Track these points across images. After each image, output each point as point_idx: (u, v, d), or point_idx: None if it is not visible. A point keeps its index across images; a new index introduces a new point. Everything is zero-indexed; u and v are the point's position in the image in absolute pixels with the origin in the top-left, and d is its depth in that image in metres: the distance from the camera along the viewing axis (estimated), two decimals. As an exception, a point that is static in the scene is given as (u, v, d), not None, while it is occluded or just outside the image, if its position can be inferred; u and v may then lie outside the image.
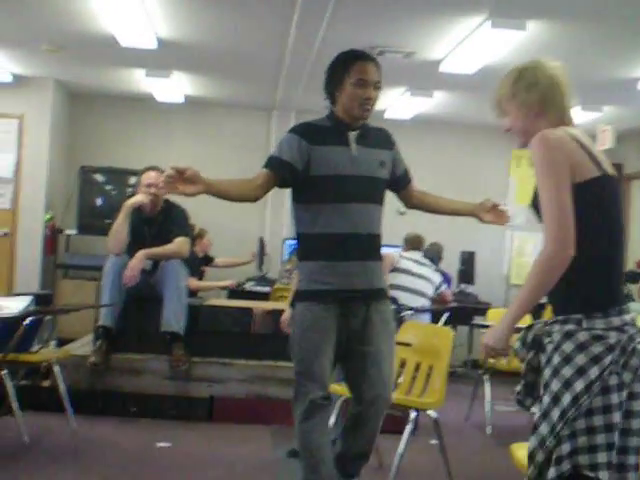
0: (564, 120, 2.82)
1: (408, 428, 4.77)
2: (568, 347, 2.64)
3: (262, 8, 6.62)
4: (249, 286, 9.54)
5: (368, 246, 3.84)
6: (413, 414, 4.81)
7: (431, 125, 10.59)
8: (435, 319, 8.26)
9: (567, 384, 2.62)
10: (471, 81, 8.29)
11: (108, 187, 10.25)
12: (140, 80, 9.46)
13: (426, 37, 7.04)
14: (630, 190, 10.76)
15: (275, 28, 7.09)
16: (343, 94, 3.77)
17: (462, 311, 8.83)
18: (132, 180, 9.72)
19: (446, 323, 8.30)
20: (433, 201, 4.16)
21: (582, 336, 2.63)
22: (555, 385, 2.64)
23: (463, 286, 10.04)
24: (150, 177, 6.36)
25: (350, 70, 3.75)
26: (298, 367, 3.82)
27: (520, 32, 6.51)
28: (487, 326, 7.36)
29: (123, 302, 6.25)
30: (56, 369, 5.87)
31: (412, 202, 4.15)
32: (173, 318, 6.25)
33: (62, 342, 7.28)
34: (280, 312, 5.44)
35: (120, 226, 6.23)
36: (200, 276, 8.78)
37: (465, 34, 6.83)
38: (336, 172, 3.74)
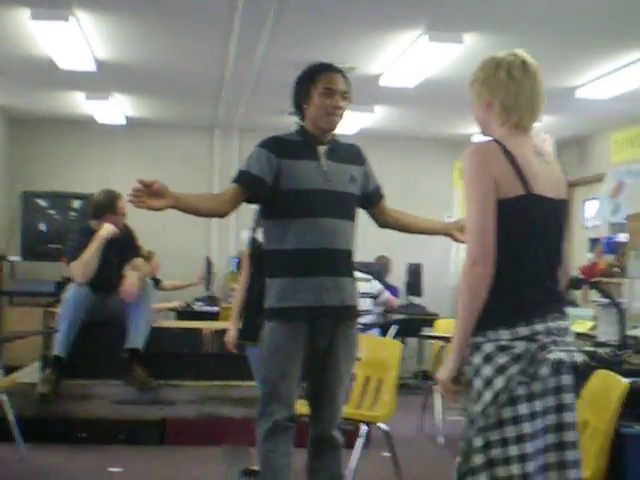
0: (517, 123, 2.78)
1: (360, 442, 4.78)
2: (477, 359, 2.65)
3: (200, 27, 6.63)
4: (197, 306, 9.50)
5: (339, 262, 3.76)
6: (364, 428, 4.82)
7: (374, 140, 10.60)
8: (383, 332, 8.29)
9: (478, 395, 2.63)
10: (411, 94, 8.37)
11: (51, 211, 10.15)
12: (80, 103, 9.39)
13: (365, 52, 7.10)
14: (570, 197, 10.90)
15: (214, 46, 7.09)
16: (311, 105, 3.74)
17: (410, 323, 8.87)
18: (76, 204, 9.66)
19: (395, 336, 8.34)
20: (406, 220, 4.08)
21: (488, 347, 2.64)
22: (471, 396, 2.66)
23: (411, 298, 10.08)
24: (124, 206, 6.35)
25: (317, 81, 3.72)
26: (264, 387, 3.78)
27: (457, 45, 6.58)
28: (435, 337, 7.43)
29: (79, 331, 6.20)
30: (3, 397, 5.77)
31: (384, 219, 4.06)
32: (141, 336, 6.25)
33: (8, 370, 7.17)
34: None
35: (92, 257, 6.18)
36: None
37: (403, 48, 6.89)
38: (306, 187, 3.68)
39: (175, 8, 6.21)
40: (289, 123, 9.40)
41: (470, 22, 6.27)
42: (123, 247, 6.44)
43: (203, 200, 3.80)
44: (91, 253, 6.16)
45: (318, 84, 3.73)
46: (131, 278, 6.25)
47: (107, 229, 6.26)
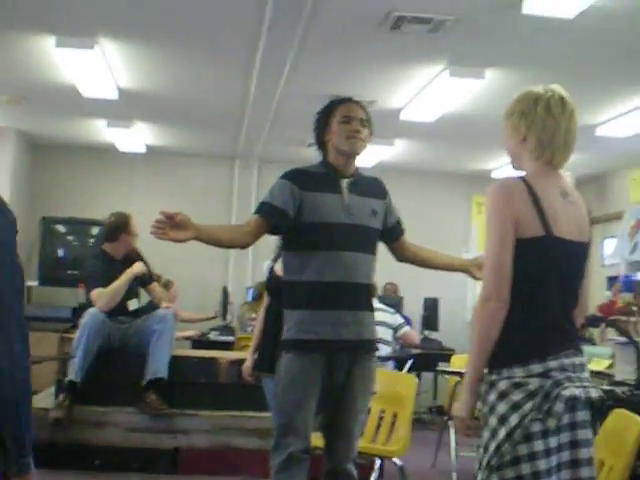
0: (550, 159, 2.79)
1: (374, 476, 4.76)
2: (492, 397, 2.65)
3: (223, 58, 6.68)
4: (213, 336, 9.49)
5: (359, 296, 3.74)
6: (378, 462, 4.80)
7: (392, 173, 10.61)
8: (399, 366, 8.25)
9: (493, 432, 2.62)
10: (431, 129, 8.39)
11: (70, 238, 10.20)
12: (102, 130, 9.47)
13: (386, 86, 7.14)
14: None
15: (236, 77, 7.14)
16: (331, 135, 3.76)
17: (426, 357, 8.83)
18: (94, 231, 9.69)
19: (410, 370, 8.30)
20: (425, 255, 4.06)
21: (502, 385, 2.63)
22: (485, 434, 2.66)
23: (427, 332, 10.04)
24: (136, 226, 6.41)
25: (335, 111, 3.75)
26: (280, 418, 3.76)
27: (478, 80, 6.61)
28: (452, 372, 7.39)
29: (94, 356, 6.21)
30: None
31: (404, 255, 4.05)
32: (164, 364, 6.24)
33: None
34: (245, 361, 5.41)
35: (120, 289, 6.22)
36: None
37: (424, 83, 6.92)
38: (327, 219, 3.68)
39: (198, 39, 6.28)
40: (309, 155, 9.44)
41: (491, 58, 6.30)
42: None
43: (225, 231, 3.81)
44: (120, 285, 6.21)
45: (337, 114, 3.76)
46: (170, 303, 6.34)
47: (139, 267, 6.32)
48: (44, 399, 6.62)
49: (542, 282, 2.71)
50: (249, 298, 9.99)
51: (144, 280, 6.46)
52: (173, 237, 3.28)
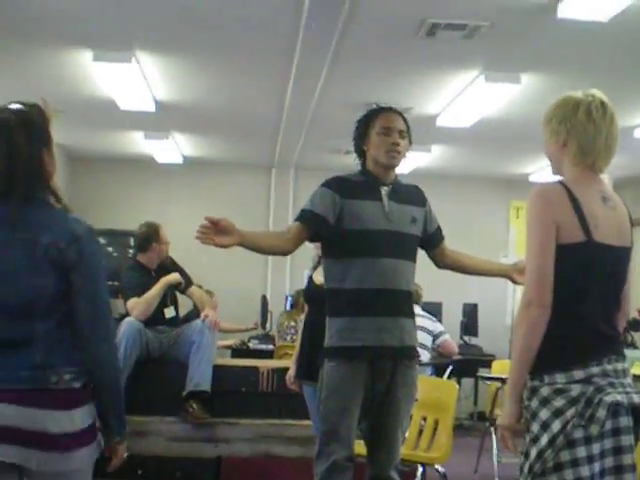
0: (591, 165, 2.76)
1: (416, 483, 4.75)
2: (534, 403, 2.63)
3: (259, 68, 6.71)
4: (252, 344, 9.53)
5: (399, 302, 3.75)
6: (420, 469, 4.79)
7: (429, 179, 10.59)
8: (439, 372, 8.23)
9: (535, 439, 2.60)
10: (468, 134, 8.38)
11: (110, 249, 10.28)
12: (139, 142, 9.55)
13: (422, 92, 7.13)
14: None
15: (272, 87, 7.17)
16: (370, 146, 3.78)
17: (466, 363, 8.80)
18: (133, 242, 9.76)
19: (450, 376, 8.28)
20: (466, 261, 4.07)
21: (544, 391, 2.61)
22: (526, 440, 2.64)
23: (466, 338, 10.01)
24: (166, 235, 6.44)
25: (374, 122, 3.77)
26: (323, 426, 3.76)
27: (514, 85, 6.59)
28: (493, 378, 7.36)
29: (133, 365, 6.24)
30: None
31: (444, 261, 4.05)
32: (206, 377, 6.23)
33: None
34: (286, 370, 5.43)
35: (155, 298, 6.22)
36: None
37: (460, 89, 6.91)
38: (368, 227, 3.70)
39: (234, 50, 6.31)
40: (345, 162, 9.47)
41: (527, 62, 6.28)
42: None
43: (267, 238, 3.85)
44: (155, 294, 6.21)
45: (376, 124, 3.77)
46: (211, 311, 6.30)
47: (174, 277, 6.31)
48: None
49: (583, 287, 2.69)
50: (287, 307, 10.01)
51: (181, 287, 6.45)
52: (217, 242, 3.30)
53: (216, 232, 3.30)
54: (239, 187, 10.99)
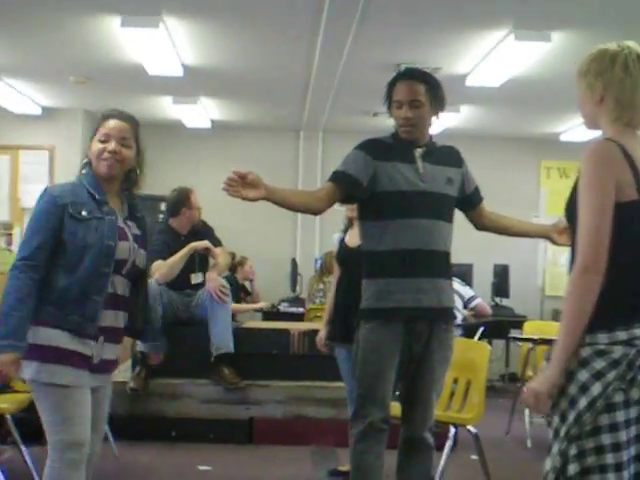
0: (630, 120, 2.66)
1: (448, 444, 4.76)
2: (572, 364, 2.55)
3: (286, 30, 6.68)
4: (283, 307, 9.57)
5: (436, 263, 3.74)
6: (452, 430, 4.80)
7: (459, 139, 10.41)
8: (469, 334, 8.23)
9: (572, 401, 2.53)
10: (497, 94, 8.30)
11: (140, 214, 10.31)
12: (168, 107, 9.55)
13: (451, 52, 7.06)
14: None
15: (300, 49, 7.14)
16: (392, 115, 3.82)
17: (497, 325, 8.79)
18: (163, 206, 9.79)
19: (480, 337, 8.27)
20: (505, 222, 4.05)
21: (584, 352, 2.53)
22: (562, 402, 2.57)
23: (497, 299, 9.99)
24: (196, 200, 6.44)
25: (392, 91, 3.77)
26: (359, 388, 3.78)
27: (544, 43, 6.50)
28: (525, 339, 7.34)
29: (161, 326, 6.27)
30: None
31: (482, 222, 4.03)
32: (224, 340, 6.26)
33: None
34: (316, 332, 5.45)
35: (178, 263, 6.19)
36: (237, 300, 8.81)
37: (489, 48, 6.84)
38: (402, 188, 3.69)
39: (261, 13, 6.28)
40: (374, 124, 9.49)
41: (558, 20, 6.19)
42: (199, 240, 6.43)
43: (298, 195, 3.85)
44: (178, 259, 6.19)
45: (393, 95, 3.78)
46: (214, 282, 6.27)
47: (202, 244, 6.27)
48: (121, 373, 6.75)
49: (633, 249, 2.60)
50: (317, 269, 10.03)
51: (210, 252, 6.36)
52: (244, 195, 3.30)
53: (243, 185, 3.30)
54: (267, 151, 10.97)
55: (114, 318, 3.33)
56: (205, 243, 6.26)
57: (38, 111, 9.78)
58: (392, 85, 3.79)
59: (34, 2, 6.12)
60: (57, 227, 3.21)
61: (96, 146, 3.32)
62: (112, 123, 3.35)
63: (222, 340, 6.26)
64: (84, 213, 3.24)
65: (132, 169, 3.43)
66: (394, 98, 3.75)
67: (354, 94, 8.63)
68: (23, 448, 5.22)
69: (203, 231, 6.52)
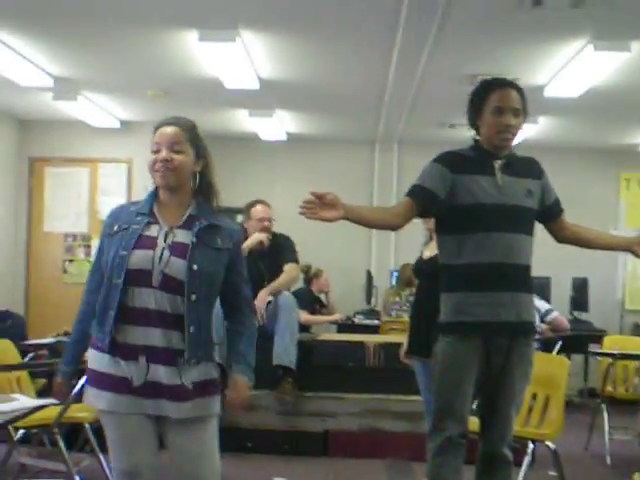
0: None
1: (526, 460, 4.70)
2: None
3: (362, 43, 6.68)
4: (358, 319, 9.55)
5: (516, 277, 3.68)
6: (531, 446, 4.74)
7: (536, 151, 10.34)
8: (546, 348, 8.11)
9: None
10: (576, 104, 8.19)
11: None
12: (244, 120, 9.63)
13: (529, 63, 6.99)
14: None
15: (376, 61, 7.13)
16: (483, 123, 3.72)
17: (576, 339, 8.64)
18: (239, 219, 9.87)
19: (559, 352, 8.15)
20: (586, 234, 3.96)
21: None
22: None
23: (576, 313, 9.83)
24: (259, 211, 6.42)
25: (488, 98, 3.69)
26: (437, 403, 3.75)
27: (624, 53, 6.40)
28: (605, 354, 7.21)
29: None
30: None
31: (563, 234, 3.95)
32: (284, 352, 6.25)
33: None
34: (392, 345, 5.44)
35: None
36: (312, 311, 8.83)
37: (568, 58, 6.75)
38: (481, 201, 3.64)
39: (337, 25, 6.29)
40: (450, 136, 9.43)
41: (637, 29, 6.08)
42: (272, 256, 6.40)
43: (376, 212, 3.83)
44: None
45: (490, 101, 3.69)
46: (259, 302, 6.09)
47: (255, 238, 6.22)
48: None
49: None
50: (392, 282, 10.01)
51: (263, 246, 6.24)
52: (322, 216, 3.29)
53: (321, 206, 3.29)
54: (342, 163, 10.98)
55: (167, 338, 3.02)
56: (258, 236, 6.20)
57: (117, 125, 9.95)
58: (486, 92, 3.71)
59: (113, 18, 6.22)
60: (102, 248, 3.16)
61: (150, 158, 3.16)
62: (162, 131, 3.18)
63: (282, 353, 6.23)
64: (115, 228, 3.11)
65: (202, 175, 3.24)
66: (494, 104, 3.66)
67: (430, 106, 8.60)
68: (101, 456, 5.31)
69: (279, 244, 6.48)
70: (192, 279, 3.02)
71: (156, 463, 3.09)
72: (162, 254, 3.03)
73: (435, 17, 5.80)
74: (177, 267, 3.02)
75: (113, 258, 3.03)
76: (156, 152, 3.13)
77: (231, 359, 3.24)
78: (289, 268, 6.39)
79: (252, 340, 3.28)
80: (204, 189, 3.25)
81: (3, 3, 5.95)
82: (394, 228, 3.75)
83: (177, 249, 3.05)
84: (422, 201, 3.67)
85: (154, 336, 3.01)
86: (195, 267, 3.03)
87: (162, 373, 3.02)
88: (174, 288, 3.01)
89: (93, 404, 3.11)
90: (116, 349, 3.03)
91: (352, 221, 3.45)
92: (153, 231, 3.09)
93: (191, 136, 3.20)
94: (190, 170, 3.18)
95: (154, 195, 3.19)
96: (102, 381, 3.05)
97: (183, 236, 3.09)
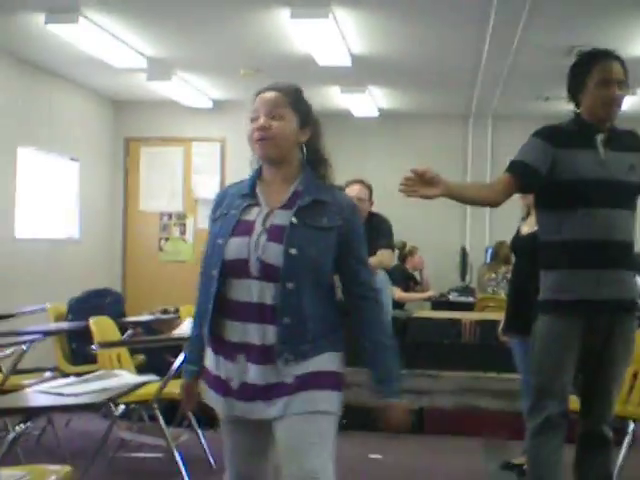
0: None
1: (627, 440, 4.60)
2: None
3: (456, 16, 6.59)
4: (452, 297, 9.48)
5: (618, 254, 3.59)
6: (631, 425, 4.63)
7: (634, 122, 10.17)
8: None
9: None
10: (677, 75, 7.94)
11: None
12: (336, 97, 9.61)
13: (627, 33, 6.80)
14: None
15: (470, 35, 7.04)
16: (587, 95, 3.61)
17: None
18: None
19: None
20: None
21: None
22: None
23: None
24: (354, 190, 6.37)
25: (592, 70, 3.58)
26: (537, 382, 3.69)
27: None
28: None
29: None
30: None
31: None
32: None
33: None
34: (489, 322, 5.38)
35: None
36: (406, 289, 8.80)
37: (669, 26, 6.55)
38: (582, 176, 3.55)
39: (432, 0, 6.21)
40: (545, 109, 9.22)
41: None
42: (367, 236, 6.28)
43: (475, 189, 3.77)
44: None
45: (594, 73, 3.57)
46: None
47: None
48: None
49: None
50: (488, 259, 9.90)
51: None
52: (423, 193, 3.25)
53: (421, 183, 3.25)
54: (435, 138, 10.89)
55: (261, 334, 2.67)
56: None
57: (209, 104, 10.04)
58: (589, 64, 3.60)
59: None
60: (209, 236, 2.84)
61: (249, 128, 2.78)
62: (261, 96, 2.81)
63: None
64: (217, 213, 2.82)
65: (309, 146, 2.88)
66: (600, 76, 3.55)
67: (525, 79, 8.44)
68: (199, 432, 5.39)
69: (374, 227, 6.40)
70: (289, 265, 2.64)
71: (267, 467, 2.88)
72: (258, 239, 2.69)
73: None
74: (273, 252, 2.66)
75: (212, 247, 2.75)
76: (254, 120, 2.77)
77: (375, 377, 2.87)
78: (381, 254, 6.32)
79: (386, 342, 2.84)
80: (312, 161, 2.89)
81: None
82: (493, 205, 3.67)
83: (274, 232, 2.69)
84: (523, 177, 3.60)
85: (253, 332, 2.68)
86: (293, 251, 2.64)
87: (259, 373, 2.69)
88: (274, 277, 2.65)
89: (211, 405, 2.83)
90: (218, 346, 2.76)
91: (452, 198, 3.40)
92: (252, 214, 2.75)
93: (293, 100, 2.84)
94: (293, 139, 2.80)
95: (257, 173, 2.85)
96: (211, 382, 2.80)
97: (282, 217, 2.72)
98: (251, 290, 2.68)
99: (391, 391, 2.85)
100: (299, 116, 2.83)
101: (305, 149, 2.86)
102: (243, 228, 2.72)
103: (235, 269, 2.69)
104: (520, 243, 5.05)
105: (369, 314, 2.81)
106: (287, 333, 2.65)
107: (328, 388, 2.78)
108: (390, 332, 2.87)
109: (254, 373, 2.68)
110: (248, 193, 2.80)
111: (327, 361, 2.77)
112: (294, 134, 2.80)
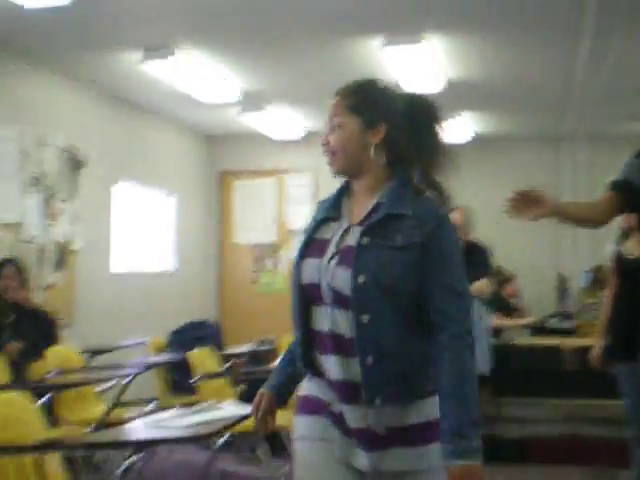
0: None
1: None
2: None
3: (548, 37, 6.51)
4: (552, 322, 9.29)
5: None
6: None
7: None
8: None
9: None
10: None
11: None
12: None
13: None
14: None
15: (562, 55, 6.95)
16: None
17: None
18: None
19: None
20: None
21: None
22: None
23: None
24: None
25: None
26: None
27: None
28: None
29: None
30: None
31: None
32: (484, 360, 6.12)
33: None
34: (591, 349, 5.25)
35: None
36: (504, 315, 8.65)
37: None
38: None
39: (523, 21, 6.15)
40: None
41: None
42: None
43: (581, 209, 3.69)
44: None
45: None
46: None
47: None
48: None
49: None
50: (586, 283, 9.70)
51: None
52: (528, 215, 3.16)
53: (527, 203, 3.16)
54: (527, 162, 10.71)
55: (339, 367, 2.33)
56: None
57: (301, 134, 10.10)
58: None
59: (297, 28, 6.32)
60: None
61: None
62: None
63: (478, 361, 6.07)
64: (304, 233, 2.52)
65: (388, 144, 2.45)
66: None
67: (620, 99, 8.29)
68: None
69: (473, 256, 6.31)
70: (359, 296, 2.27)
71: None
72: (329, 262, 2.36)
73: (625, 5, 5.57)
74: (341, 279, 2.31)
75: (293, 269, 2.46)
76: None
77: (442, 431, 2.26)
78: (479, 285, 6.25)
79: (469, 391, 2.28)
80: (394, 162, 2.48)
81: (192, 22, 6.15)
82: (598, 225, 3.58)
83: (344, 255, 2.34)
84: (627, 195, 3.50)
85: (333, 366, 2.34)
86: (361, 279, 2.27)
87: (347, 412, 2.34)
88: (347, 305, 2.30)
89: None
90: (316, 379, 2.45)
91: (558, 217, 3.31)
92: (328, 232, 2.42)
93: (354, 102, 2.48)
94: (358, 146, 2.44)
95: (347, 183, 2.52)
96: (302, 404, 2.49)
97: (355, 236, 2.35)
98: (325, 318, 2.35)
99: (450, 451, 2.22)
100: (364, 116, 2.44)
101: (385, 150, 2.45)
102: (316, 248, 2.41)
103: (311, 295, 2.39)
104: (625, 265, 4.92)
105: (446, 352, 2.30)
106: (372, 374, 2.27)
107: (433, 441, 2.32)
108: (472, 375, 2.32)
109: (342, 411, 2.36)
110: (330, 206, 2.49)
111: (428, 407, 2.35)
112: (357, 140, 2.43)
